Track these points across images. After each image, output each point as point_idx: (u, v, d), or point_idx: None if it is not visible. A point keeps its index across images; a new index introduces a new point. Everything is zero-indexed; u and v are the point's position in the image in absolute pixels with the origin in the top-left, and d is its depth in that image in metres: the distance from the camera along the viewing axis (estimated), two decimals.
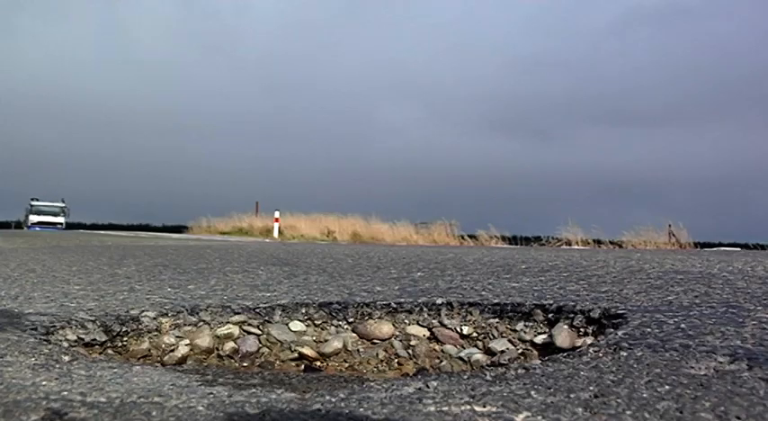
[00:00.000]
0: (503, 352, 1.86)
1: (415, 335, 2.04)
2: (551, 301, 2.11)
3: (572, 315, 1.91)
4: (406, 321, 2.11)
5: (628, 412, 1.02)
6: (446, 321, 2.07)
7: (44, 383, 1.24)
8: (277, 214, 20.33)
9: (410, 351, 1.98)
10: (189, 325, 2.06)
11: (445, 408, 1.07)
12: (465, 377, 1.30)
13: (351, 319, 2.13)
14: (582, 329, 1.84)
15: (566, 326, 1.86)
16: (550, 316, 1.97)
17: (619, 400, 1.08)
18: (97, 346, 1.84)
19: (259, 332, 2.07)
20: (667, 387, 1.14)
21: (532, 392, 1.15)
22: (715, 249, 10.33)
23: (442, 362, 1.92)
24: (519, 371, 1.32)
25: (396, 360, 1.96)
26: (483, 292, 2.42)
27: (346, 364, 1.95)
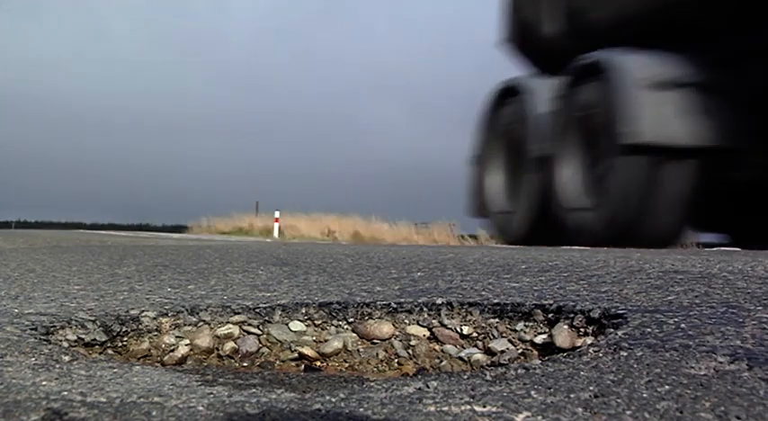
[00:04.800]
0: (503, 352, 1.86)
1: (415, 335, 2.04)
2: (551, 301, 2.11)
3: (572, 315, 1.92)
4: (406, 321, 2.11)
5: (628, 412, 1.02)
6: (446, 321, 2.07)
7: (44, 383, 1.24)
8: (277, 214, 20.33)
9: (410, 351, 1.98)
10: (189, 325, 2.06)
11: (445, 408, 1.07)
12: (465, 377, 1.30)
13: (351, 319, 2.13)
14: (582, 329, 1.84)
15: (566, 326, 1.86)
16: (550, 316, 1.97)
17: (619, 400, 1.08)
18: (97, 346, 1.84)
19: (259, 332, 2.07)
20: (667, 387, 1.14)
21: (532, 392, 1.15)
22: (715, 249, 10.33)
23: (441, 362, 1.92)
24: (519, 371, 1.32)
25: (396, 360, 1.96)
26: (483, 292, 2.42)
27: (346, 364, 1.95)
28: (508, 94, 9.41)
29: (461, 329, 2.03)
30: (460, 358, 1.91)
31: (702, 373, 1.22)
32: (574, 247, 10.64)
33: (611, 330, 1.70)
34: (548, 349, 1.81)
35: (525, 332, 1.95)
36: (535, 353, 1.85)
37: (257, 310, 2.16)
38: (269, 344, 2.03)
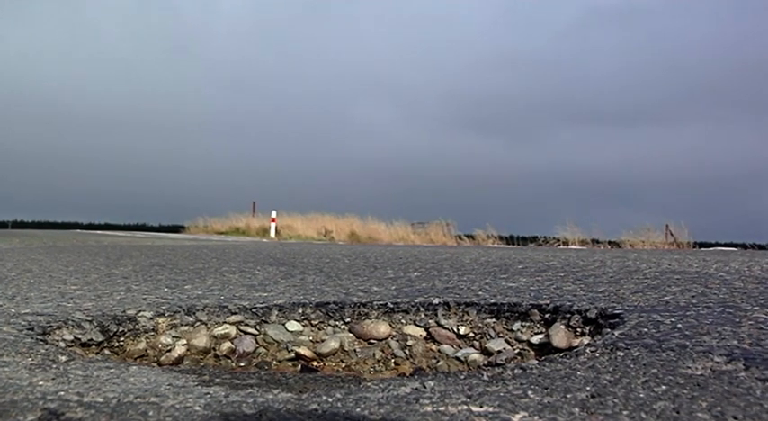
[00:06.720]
0: (499, 352, 1.86)
1: (411, 335, 2.04)
2: (548, 301, 2.11)
3: (569, 315, 1.92)
4: (402, 321, 2.11)
5: (624, 412, 1.02)
6: (443, 321, 2.07)
7: (41, 383, 1.23)
8: (274, 214, 20.32)
9: (407, 351, 1.98)
10: (186, 325, 2.06)
11: (442, 408, 1.07)
12: (462, 377, 1.30)
13: (347, 319, 2.13)
14: (579, 329, 1.84)
15: (562, 327, 1.86)
16: (547, 316, 1.97)
17: (615, 400, 1.08)
18: (94, 346, 1.83)
19: (256, 332, 2.07)
20: (664, 387, 1.14)
21: (529, 392, 1.15)
22: (712, 249, 10.35)
23: (438, 362, 1.92)
24: (516, 371, 1.32)
25: (392, 360, 1.96)
26: (480, 292, 2.42)
27: (343, 364, 1.95)
28: None
29: (458, 329, 2.03)
30: (457, 358, 1.91)
31: (699, 373, 1.22)
32: (571, 247, 10.64)
33: (608, 330, 1.70)
34: (544, 349, 1.81)
35: (522, 332, 1.95)
36: (532, 353, 1.85)
37: (254, 310, 2.16)
38: (266, 345, 2.02)
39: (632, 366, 1.29)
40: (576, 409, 1.04)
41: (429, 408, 1.07)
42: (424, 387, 1.22)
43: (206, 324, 2.08)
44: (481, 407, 1.07)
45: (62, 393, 1.16)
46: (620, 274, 3.07)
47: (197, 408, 1.09)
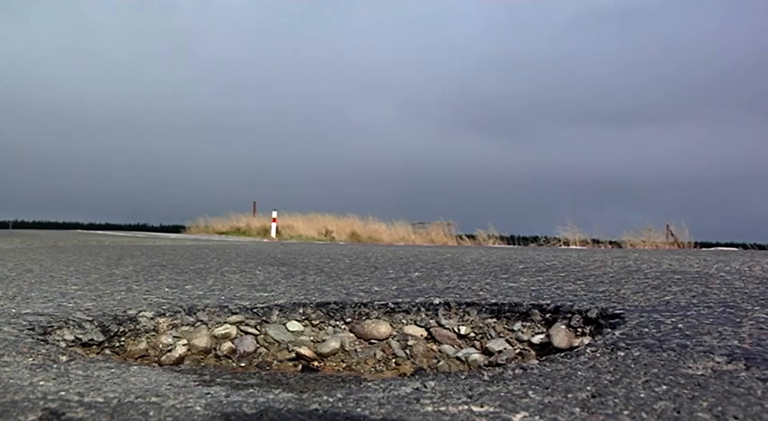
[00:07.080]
0: (500, 352, 1.86)
1: (412, 335, 2.04)
2: (549, 301, 2.11)
3: (569, 315, 1.92)
4: (403, 321, 2.11)
5: (625, 412, 1.02)
6: (443, 321, 2.07)
7: (42, 383, 1.23)
8: (275, 214, 20.31)
9: (407, 351, 1.98)
10: (186, 325, 2.06)
11: (443, 408, 1.07)
12: (462, 377, 1.30)
13: (348, 319, 2.13)
14: (579, 329, 1.84)
15: (563, 326, 1.86)
16: (548, 316, 1.97)
17: (616, 400, 1.08)
18: (95, 346, 1.83)
19: (256, 332, 2.07)
20: (665, 387, 1.14)
21: (530, 392, 1.15)
22: (712, 249, 10.34)
23: (439, 362, 1.92)
24: (516, 371, 1.32)
25: (393, 360, 1.96)
26: (480, 292, 2.42)
27: (344, 364, 1.95)
28: None
29: (459, 329, 2.03)
30: (458, 358, 1.91)
31: (700, 373, 1.22)
32: (571, 247, 10.63)
33: (609, 330, 1.70)
34: (545, 349, 1.81)
35: (523, 332, 1.95)
36: (533, 352, 1.85)
37: (255, 310, 2.16)
38: (266, 345, 2.02)
39: (633, 366, 1.29)
40: (577, 409, 1.04)
41: (430, 408, 1.07)
42: (425, 387, 1.22)
43: (207, 324, 2.08)
44: (482, 407, 1.07)
45: (63, 393, 1.17)
46: (620, 274, 3.07)
47: (198, 408, 1.09)
